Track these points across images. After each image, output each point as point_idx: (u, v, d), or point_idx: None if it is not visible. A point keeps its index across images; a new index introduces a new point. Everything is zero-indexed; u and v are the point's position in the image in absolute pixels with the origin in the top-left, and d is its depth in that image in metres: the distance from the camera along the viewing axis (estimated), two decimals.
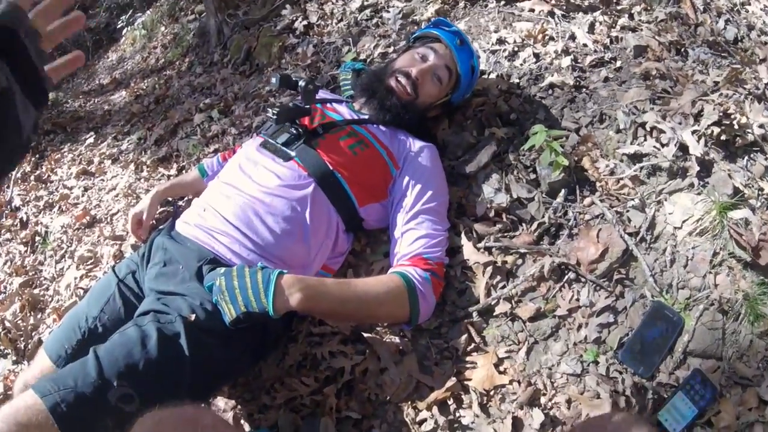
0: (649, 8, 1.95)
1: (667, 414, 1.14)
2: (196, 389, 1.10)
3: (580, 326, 1.26)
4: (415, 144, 1.49)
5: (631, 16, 1.91)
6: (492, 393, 1.22)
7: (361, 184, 1.40)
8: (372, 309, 1.22)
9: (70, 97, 3.82)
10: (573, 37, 1.83)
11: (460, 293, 1.37)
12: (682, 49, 1.82)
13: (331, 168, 1.37)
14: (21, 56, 0.59)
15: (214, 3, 2.79)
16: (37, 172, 2.77)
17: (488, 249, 1.40)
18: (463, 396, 1.22)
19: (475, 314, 1.33)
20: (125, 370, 1.01)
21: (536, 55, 1.78)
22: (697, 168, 1.38)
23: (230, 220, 1.30)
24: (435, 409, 1.20)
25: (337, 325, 1.36)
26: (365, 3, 2.33)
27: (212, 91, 2.60)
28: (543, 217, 1.43)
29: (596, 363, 1.22)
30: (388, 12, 2.21)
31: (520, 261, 1.38)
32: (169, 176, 2.16)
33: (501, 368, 1.25)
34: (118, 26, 4.46)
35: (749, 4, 2.10)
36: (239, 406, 1.34)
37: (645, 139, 1.47)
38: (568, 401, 1.18)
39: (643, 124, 1.48)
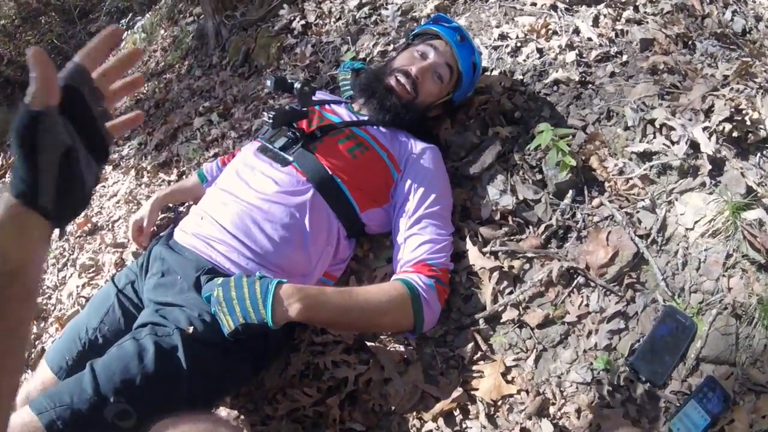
0: (654, 0, 1.89)
1: (679, 423, 1.10)
2: (195, 402, 1.08)
3: (590, 333, 1.23)
4: (417, 145, 1.45)
5: (636, 8, 1.86)
6: (499, 403, 1.18)
7: (362, 189, 1.36)
8: (374, 318, 1.19)
9: None
10: (577, 31, 1.78)
11: (466, 300, 1.33)
12: (690, 42, 1.77)
13: (330, 172, 1.34)
14: (85, 115, 0.64)
15: (211, 4, 2.76)
16: None
17: (494, 253, 1.36)
18: (469, 406, 1.19)
19: (481, 321, 1.29)
20: (122, 385, 0.99)
21: (540, 51, 1.74)
22: (709, 166, 1.34)
23: (227, 229, 1.26)
24: (441, 421, 1.17)
25: (340, 334, 1.33)
26: (363, 1, 2.29)
27: (211, 94, 2.57)
28: (550, 219, 1.39)
29: (607, 371, 1.18)
30: (387, 9, 2.17)
31: (527, 265, 1.35)
32: (169, 182, 2.14)
33: (509, 377, 1.21)
34: None
35: None
36: (242, 416, 1.32)
37: (654, 137, 1.43)
38: (578, 411, 1.15)
39: (652, 121, 1.44)
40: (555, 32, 1.80)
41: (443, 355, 1.27)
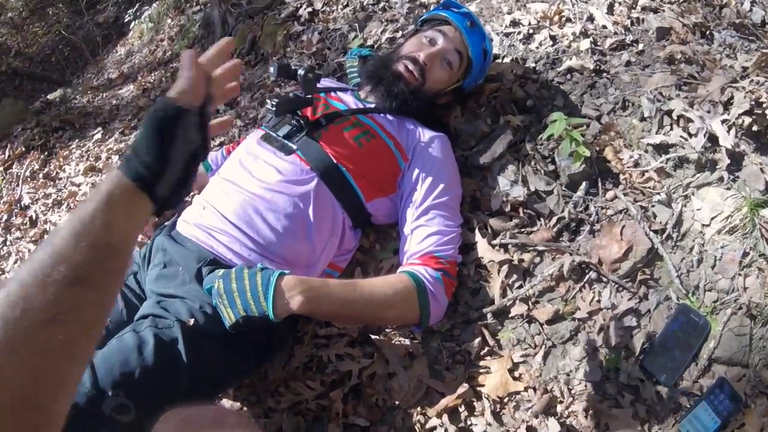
0: None
1: (688, 425, 1.07)
2: (196, 396, 1.05)
3: (600, 330, 1.19)
4: (425, 134, 1.41)
5: None
6: (506, 400, 1.16)
7: (368, 178, 1.33)
8: (379, 311, 1.16)
9: (79, 93, 3.79)
10: (591, 19, 1.73)
11: (474, 293, 1.30)
12: (708, 32, 1.71)
13: (335, 161, 1.30)
14: (208, 118, 0.73)
15: None
16: (46, 169, 2.75)
17: (504, 246, 1.33)
18: (475, 403, 1.17)
19: (489, 316, 1.26)
20: (120, 378, 0.96)
21: (553, 38, 1.68)
22: (727, 161, 1.29)
23: (230, 219, 1.23)
24: (445, 417, 1.15)
25: (344, 327, 1.30)
26: None
27: None
28: (562, 211, 1.35)
29: (617, 369, 1.15)
30: None
31: (537, 259, 1.31)
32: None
33: (516, 374, 1.19)
34: (126, 20, 4.46)
35: None
36: (244, 408, 1.30)
37: (671, 129, 1.38)
38: (586, 410, 1.12)
39: (669, 112, 1.39)
40: (568, 19, 1.74)
41: (449, 350, 1.25)
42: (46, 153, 2.89)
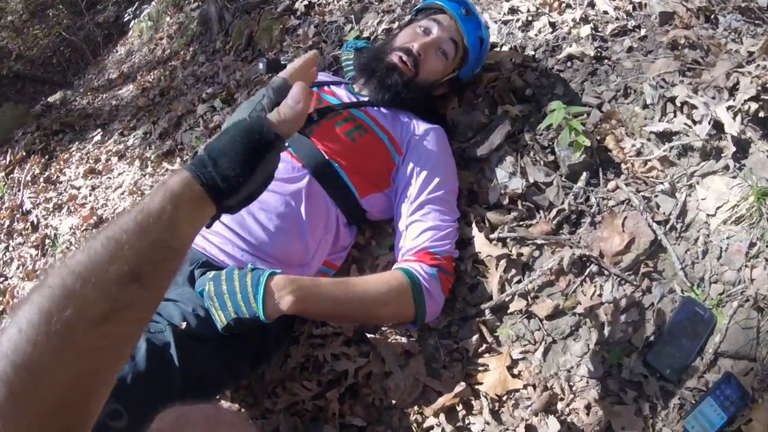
0: None
1: (694, 421, 1.04)
2: (189, 399, 1.03)
3: (602, 325, 1.16)
4: (420, 126, 1.38)
5: None
6: (504, 398, 1.13)
7: (361, 173, 1.30)
8: (373, 309, 1.14)
9: (80, 95, 3.80)
10: (592, 4, 1.67)
11: (472, 289, 1.27)
12: (712, 16, 1.65)
13: (326, 157, 1.27)
14: None
15: None
16: (46, 173, 2.76)
17: (502, 240, 1.30)
18: (473, 401, 1.14)
19: (487, 312, 1.23)
20: None
21: (552, 25, 1.64)
22: (733, 148, 1.24)
23: (221, 219, 1.20)
24: (442, 416, 1.12)
25: (340, 326, 1.28)
26: None
27: (215, 79, 2.53)
28: (562, 203, 1.32)
29: (620, 365, 1.12)
30: None
31: (537, 253, 1.27)
32: (173, 171, 2.10)
33: (515, 371, 1.16)
34: (125, 19, 4.45)
35: None
36: (242, 410, 1.28)
37: (675, 116, 1.33)
38: (588, 407, 1.09)
39: (672, 99, 1.34)
40: (568, 5, 1.69)
41: (447, 348, 1.22)
42: (46, 157, 2.90)
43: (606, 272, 1.21)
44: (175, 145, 2.26)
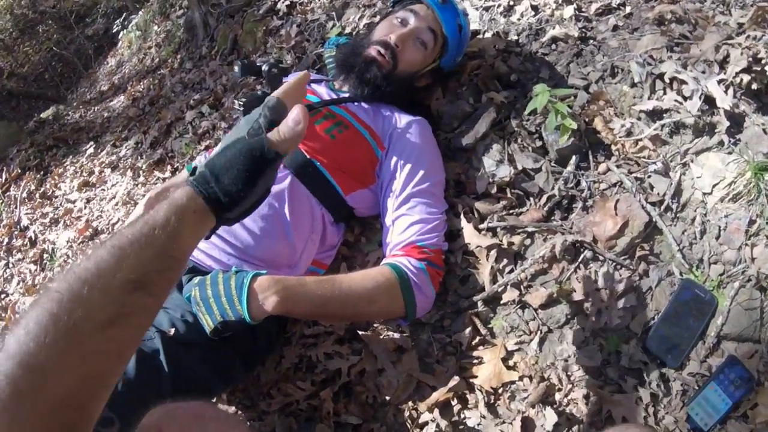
0: None
1: (698, 407, 1.01)
2: None
3: (599, 311, 1.12)
4: (402, 119, 1.35)
5: None
6: (500, 391, 1.10)
7: (344, 170, 1.27)
8: (361, 307, 1.11)
9: (72, 109, 3.81)
10: None
11: (463, 281, 1.24)
12: None
13: (308, 156, 1.25)
14: None
15: None
16: (42, 189, 2.79)
17: (492, 230, 1.26)
18: (468, 395, 1.11)
19: (480, 304, 1.20)
20: None
21: (534, 8, 1.60)
22: (727, 123, 1.20)
23: None
24: (437, 411, 1.10)
25: (331, 325, 1.25)
26: None
27: (202, 85, 2.54)
28: (553, 189, 1.28)
29: (618, 352, 1.09)
30: None
31: (528, 241, 1.24)
32: (163, 179, 2.11)
33: (510, 363, 1.13)
34: (114, 30, 4.47)
35: None
36: (240, 413, 1.27)
37: (664, 93, 1.29)
38: (586, 396, 1.06)
39: (661, 76, 1.30)
40: None
41: (440, 342, 1.19)
42: (42, 172, 2.93)
43: (600, 257, 1.18)
44: (165, 153, 2.26)
